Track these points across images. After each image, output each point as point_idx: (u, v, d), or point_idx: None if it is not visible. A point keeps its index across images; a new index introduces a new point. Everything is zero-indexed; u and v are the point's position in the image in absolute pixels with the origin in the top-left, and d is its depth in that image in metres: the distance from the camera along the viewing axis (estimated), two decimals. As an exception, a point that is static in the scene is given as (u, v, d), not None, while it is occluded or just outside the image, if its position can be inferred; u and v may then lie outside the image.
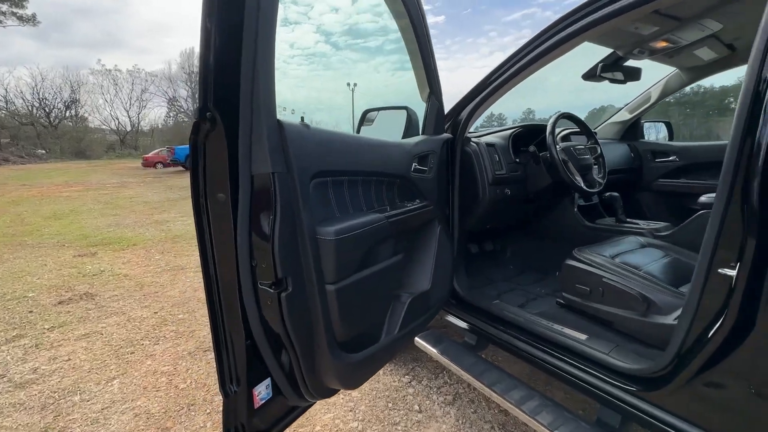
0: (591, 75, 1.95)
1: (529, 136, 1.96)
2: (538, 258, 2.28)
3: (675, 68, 2.20)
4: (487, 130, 2.03)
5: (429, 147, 1.52)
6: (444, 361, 1.66)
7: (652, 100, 2.39)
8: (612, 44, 1.74)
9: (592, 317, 1.47)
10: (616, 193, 1.95)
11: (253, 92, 0.87)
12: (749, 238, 0.84)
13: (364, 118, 1.72)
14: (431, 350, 1.71)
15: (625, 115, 2.56)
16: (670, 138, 2.73)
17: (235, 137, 0.88)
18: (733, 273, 0.88)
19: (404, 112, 1.65)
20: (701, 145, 2.39)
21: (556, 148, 1.66)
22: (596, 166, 1.85)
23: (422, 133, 1.59)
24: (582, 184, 1.70)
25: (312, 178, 1.00)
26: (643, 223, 1.90)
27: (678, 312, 1.23)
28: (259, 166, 0.90)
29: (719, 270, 0.91)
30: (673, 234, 1.73)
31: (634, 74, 1.92)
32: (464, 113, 1.68)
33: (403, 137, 1.63)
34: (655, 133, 2.84)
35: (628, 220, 1.95)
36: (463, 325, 1.80)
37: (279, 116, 0.91)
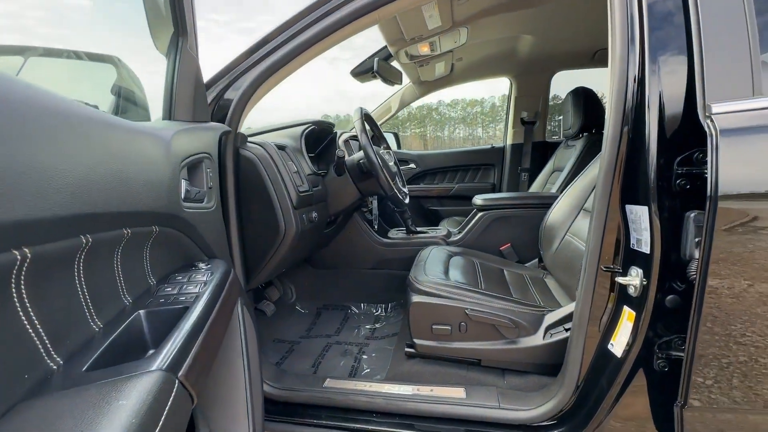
0: (365, 71, 1.69)
1: (315, 139, 1.47)
2: (330, 291, 1.84)
3: (409, 81, 2.34)
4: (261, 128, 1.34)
5: (200, 144, 0.72)
6: None
7: (394, 110, 2.48)
8: (394, 34, 1.51)
9: (454, 361, 1.18)
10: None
11: None
12: (655, 239, 0.75)
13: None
14: None
15: (371, 124, 2.54)
16: (398, 147, 2.99)
17: None
18: (631, 280, 0.80)
19: (110, 67, 0.74)
20: (432, 153, 2.70)
21: (374, 151, 1.25)
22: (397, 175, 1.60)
23: (171, 118, 0.75)
24: (400, 197, 1.38)
25: None
26: (430, 231, 1.83)
27: (542, 328, 1.13)
28: None
29: (618, 278, 0.83)
30: (462, 237, 1.74)
31: (399, 76, 1.82)
32: (237, 91, 0.95)
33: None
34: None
35: (418, 229, 1.84)
36: None
37: None
